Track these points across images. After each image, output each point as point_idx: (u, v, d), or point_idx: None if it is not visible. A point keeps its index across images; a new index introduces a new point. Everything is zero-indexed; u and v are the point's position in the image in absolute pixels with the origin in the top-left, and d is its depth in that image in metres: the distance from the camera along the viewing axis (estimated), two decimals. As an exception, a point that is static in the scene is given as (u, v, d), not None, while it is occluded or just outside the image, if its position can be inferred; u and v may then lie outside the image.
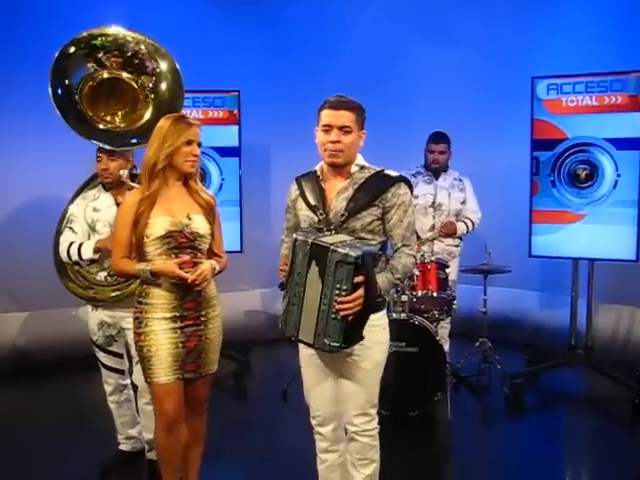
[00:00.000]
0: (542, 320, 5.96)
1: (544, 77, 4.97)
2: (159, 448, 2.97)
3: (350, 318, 2.45)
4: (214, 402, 4.89)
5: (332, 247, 2.42)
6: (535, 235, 5.07)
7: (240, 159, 5.53)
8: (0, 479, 3.61)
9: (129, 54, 3.59)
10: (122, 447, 3.72)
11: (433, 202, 5.01)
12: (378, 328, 2.71)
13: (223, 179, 5.55)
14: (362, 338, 2.56)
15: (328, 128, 2.64)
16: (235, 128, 5.52)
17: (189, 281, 2.79)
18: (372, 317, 2.60)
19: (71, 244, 3.49)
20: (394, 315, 4.32)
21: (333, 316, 2.45)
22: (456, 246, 5.10)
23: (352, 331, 2.49)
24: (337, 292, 2.43)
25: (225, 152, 5.52)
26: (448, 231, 4.98)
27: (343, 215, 2.64)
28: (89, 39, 3.52)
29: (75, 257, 3.48)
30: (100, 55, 3.55)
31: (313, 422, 2.85)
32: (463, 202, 5.07)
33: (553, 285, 5.79)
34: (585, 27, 5.61)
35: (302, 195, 2.76)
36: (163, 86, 3.68)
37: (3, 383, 5.11)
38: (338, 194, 2.70)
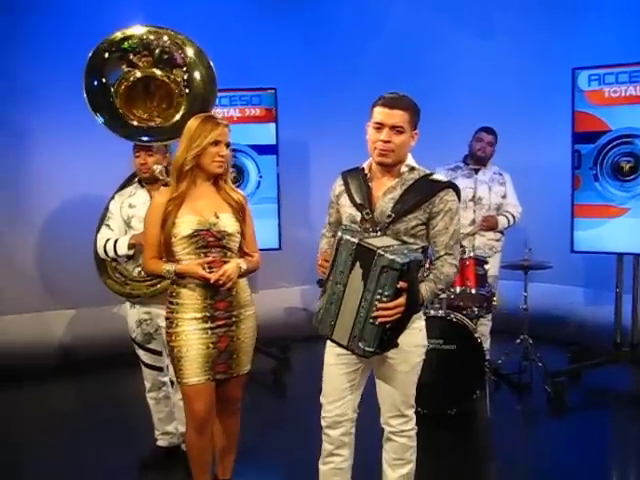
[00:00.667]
0: (586, 317, 5.83)
1: (585, 68, 4.86)
2: (190, 448, 2.98)
3: (388, 325, 2.40)
4: (252, 399, 4.98)
5: (379, 251, 2.36)
6: (577, 230, 4.96)
7: (278, 157, 5.54)
8: (43, 472, 3.70)
9: (157, 51, 3.63)
10: (159, 443, 3.77)
11: (473, 196, 4.95)
12: (415, 331, 2.66)
13: (261, 177, 5.56)
14: (397, 345, 2.52)
15: (380, 126, 2.56)
16: (272, 126, 5.53)
17: (212, 281, 2.77)
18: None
19: (107, 241, 3.54)
20: (432, 312, 4.28)
21: (371, 321, 2.40)
22: (497, 240, 5.03)
23: (388, 338, 2.45)
24: (378, 297, 2.37)
25: (263, 150, 5.53)
26: (489, 225, 4.92)
27: (390, 216, 2.58)
28: (119, 42, 3.58)
29: (111, 253, 3.52)
30: (131, 57, 3.60)
31: (323, 423, 2.79)
32: (504, 196, 5.01)
33: (597, 281, 5.65)
34: (627, 15, 5.46)
35: (347, 191, 2.69)
36: (197, 76, 3.68)
37: (49, 379, 5.23)
38: (385, 194, 2.62)
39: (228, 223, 2.87)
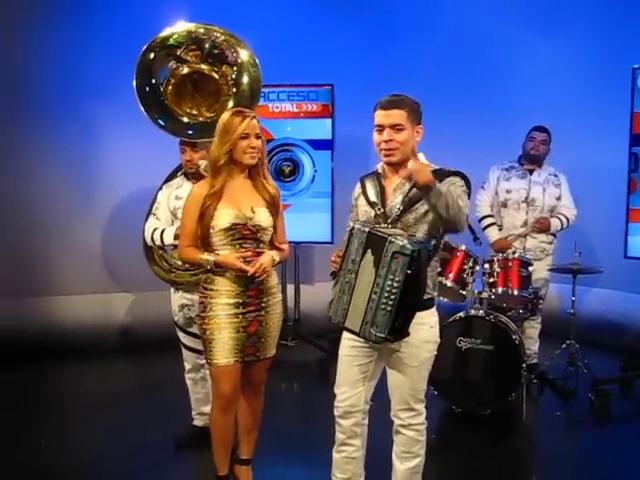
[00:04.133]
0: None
1: (646, 67, 4.70)
2: (214, 427, 3.13)
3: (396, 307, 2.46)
4: (298, 388, 5.08)
5: (390, 238, 2.47)
6: (632, 235, 4.81)
7: (333, 152, 5.62)
8: (86, 442, 3.96)
9: (207, 45, 3.71)
10: (195, 422, 3.92)
11: (526, 197, 4.90)
12: (425, 327, 2.71)
13: (316, 171, 5.67)
14: (407, 334, 2.57)
15: (380, 128, 2.67)
16: (328, 121, 5.62)
17: (249, 274, 2.93)
18: (419, 314, 2.61)
19: (155, 230, 3.69)
20: (472, 312, 4.27)
21: (382, 307, 2.48)
22: (550, 243, 4.97)
23: (399, 324, 2.51)
24: (390, 283, 2.46)
25: (318, 145, 5.64)
26: (542, 227, 4.86)
27: (399, 209, 2.67)
28: (163, 41, 3.68)
29: (158, 242, 3.68)
30: (179, 52, 3.69)
31: (335, 412, 2.86)
32: (558, 198, 4.94)
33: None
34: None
35: (364, 193, 2.81)
36: (245, 79, 3.75)
37: (110, 359, 5.52)
38: (395, 190, 2.73)
39: (263, 217, 3.02)
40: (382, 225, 2.66)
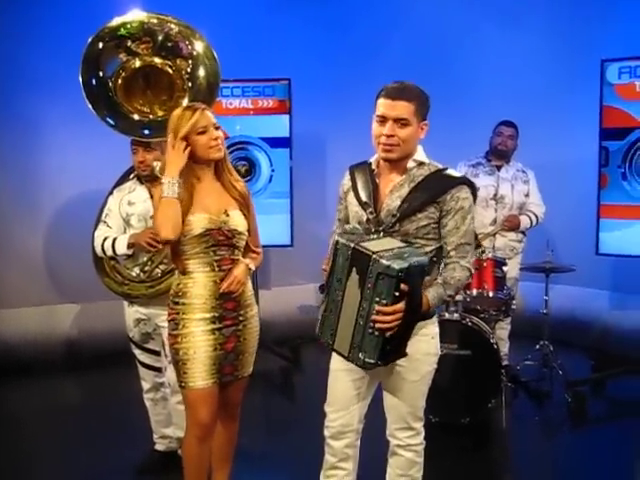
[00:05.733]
0: (611, 322, 5.56)
1: (615, 60, 4.64)
2: (188, 457, 2.81)
3: (388, 334, 2.24)
4: (259, 401, 4.84)
5: (374, 256, 2.20)
6: (603, 231, 4.73)
7: (291, 150, 5.39)
8: (38, 471, 3.64)
9: (160, 37, 3.42)
10: (157, 447, 3.63)
11: (495, 194, 4.76)
12: (427, 338, 2.48)
13: (273, 170, 5.42)
14: (404, 355, 2.37)
15: (383, 119, 2.38)
16: (286, 118, 5.37)
17: (223, 290, 2.68)
18: (419, 325, 2.39)
19: (105, 239, 3.40)
20: (446, 316, 4.08)
21: (370, 331, 2.24)
22: (519, 241, 4.85)
23: (391, 348, 2.30)
24: (375, 307, 2.22)
25: (275, 143, 5.39)
26: (511, 225, 4.74)
27: (394, 216, 2.40)
28: (112, 31, 3.38)
29: (109, 252, 3.39)
30: (129, 44, 3.39)
31: (326, 433, 2.62)
32: (527, 195, 4.81)
33: (623, 284, 5.40)
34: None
35: (354, 188, 2.53)
36: (201, 73, 3.47)
37: (55, 374, 5.17)
38: (392, 192, 2.45)
39: (239, 221, 2.77)
40: (372, 236, 2.39)
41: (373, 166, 2.53)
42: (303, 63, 5.79)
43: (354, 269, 2.26)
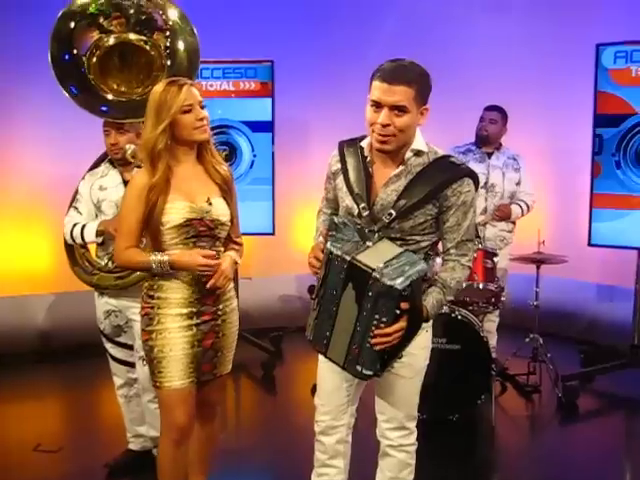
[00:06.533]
0: (601, 314, 5.45)
1: (610, 44, 4.46)
2: (163, 462, 2.63)
3: (388, 349, 2.15)
4: (239, 395, 4.68)
5: (374, 274, 2.05)
6: (596, 222, 4.58)
7: (273, 134, 5.17)
8: (4, 466, 3.47)
9: (132, 11, 3.20)
10: (131, 446, 3.45)
11: (485, 182, 4.61)
12: (422, 331, 2.31)
13: (255, 156, 5.20)
14: (400, 357, 2.25)
15: (378, 105, 2.14)
16: (268, 101, 5.14)
17: (208, 287, 2.49)
18: None
19: (75, 225, 3.20)
20: (435, 308, 3.93)
21: (368, 345, 2.12)
22: (509, 231, 4.72)
23: (389, 358, 2.20)
24: (375, 323, 2.09)
25: (257, 127, 5.16)
26: (502, 215, 4.60)
27: (390, 215, 2.21)
28: (82, 8, 3.17)
29: (79, 239, 3.19)
30: (101, 21, 3.18)
31: (316, 428, 2.49)
32: (518, 183, 4.67)
33: (615, 275, 5.26)
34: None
35: (344, 173, 2.30)
36: (180, 45, 3.27)
37: (28, 368, 4.97)
38: (387, 184, 2.24)
39: (222, 210, 2.57)
40: (367, 243, 2.19)
41: (366, 152, 2.30)
42: (287, 43, 5.57)
43: (350, 284, 2.12)
